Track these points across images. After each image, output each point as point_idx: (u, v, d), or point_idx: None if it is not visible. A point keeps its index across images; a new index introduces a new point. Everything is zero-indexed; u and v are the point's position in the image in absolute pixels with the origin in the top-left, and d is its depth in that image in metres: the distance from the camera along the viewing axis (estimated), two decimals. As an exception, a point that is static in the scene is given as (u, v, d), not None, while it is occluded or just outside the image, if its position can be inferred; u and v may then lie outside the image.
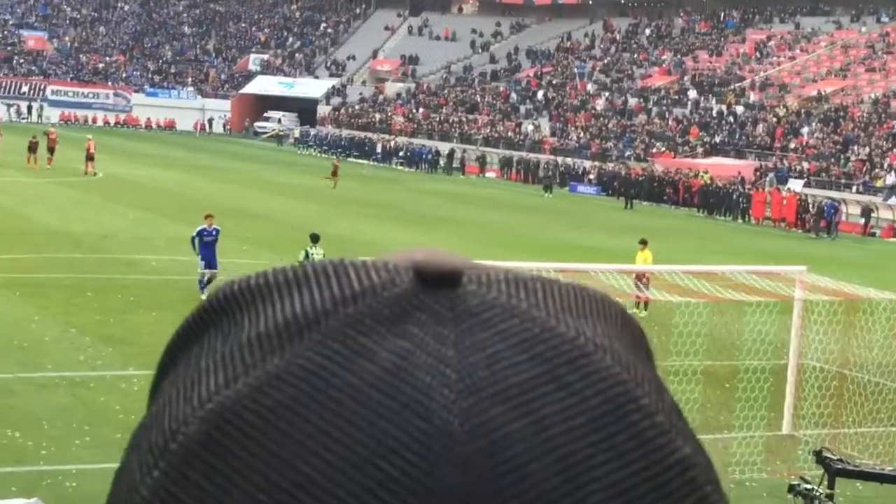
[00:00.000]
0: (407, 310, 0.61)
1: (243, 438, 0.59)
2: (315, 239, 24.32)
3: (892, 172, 61.74)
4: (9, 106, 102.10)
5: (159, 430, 0.63)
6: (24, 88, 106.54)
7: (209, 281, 25.01)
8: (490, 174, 77.93)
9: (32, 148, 55.56)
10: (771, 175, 64.17)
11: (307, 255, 23.75)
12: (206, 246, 24.99)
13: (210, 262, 24.97)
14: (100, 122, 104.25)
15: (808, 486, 14.50)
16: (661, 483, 0.60)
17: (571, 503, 0.58)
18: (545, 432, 0.59)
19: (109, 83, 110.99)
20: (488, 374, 0.59)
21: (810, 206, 55.29)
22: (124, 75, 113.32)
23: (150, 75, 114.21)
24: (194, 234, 25.38)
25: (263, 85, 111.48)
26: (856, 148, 66.52)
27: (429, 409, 0.58)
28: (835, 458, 14.90)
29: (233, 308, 0.66)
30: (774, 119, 74.06)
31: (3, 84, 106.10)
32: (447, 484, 0.56)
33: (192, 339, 0.67)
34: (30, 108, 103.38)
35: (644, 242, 28.52)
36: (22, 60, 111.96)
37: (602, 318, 0.67)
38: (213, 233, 25.10)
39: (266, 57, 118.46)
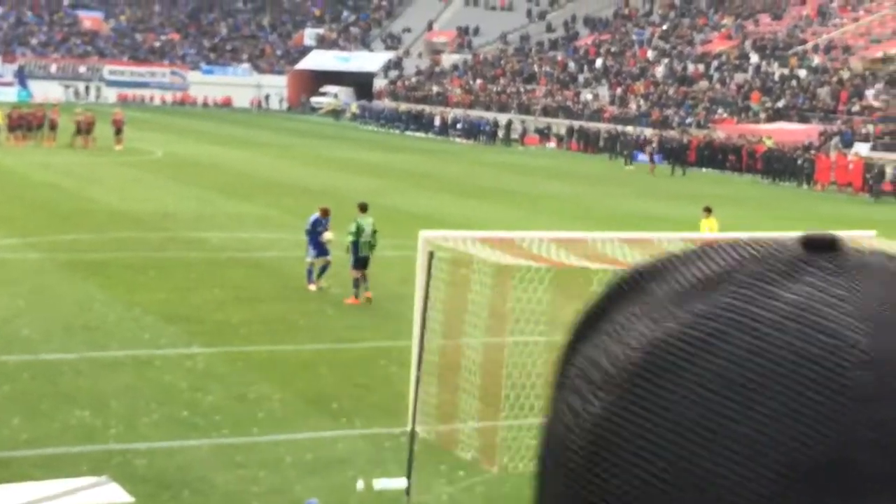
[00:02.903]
0: (800, 266, 0.74)
1: (679, 360, 0.71)
2: (364, 208, 23.49)
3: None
4: (66, 87, 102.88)
5: (596, 370, 0.75)
6: (82, 69, 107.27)
7: (323, 269, 24.12)
8: (550, 144, 77.40)
9: (80, 128, 55.17)
10: (836, 139, 63.10)
11: (358, 227, 23.04)
12: (319, 234, 24.06)
13: (322, 251, 24.06)
14: (157, 102, 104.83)
15: None
16: None
17: None
18: None
19: (166, 62, 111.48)
20: (879, 307, 0.71)
21: (887, 171, 54.26)
22: (180, 53, 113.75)
23: (205, 53, 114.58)
24: (308, 225, 24.36)
25: (319, 60, 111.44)
26: (922, 109, 65.29)
27: (835, 330, 0.69)
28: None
29: (638, 283, 0.78)
30: (838, 82, 72.81)
31: (61, 66, 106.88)
32: (861, 382, 0.68)
33: (602, 312, 0.79)
34: (87, 89, 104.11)
35: (709, 210, 28.13)
36: (78, 41, 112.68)
37: None
38: (326, 223, 24.14)
39: (321, 31, 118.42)
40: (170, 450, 14.20)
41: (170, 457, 13.98)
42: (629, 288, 0.79)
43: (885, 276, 0.74)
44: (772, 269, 0.74)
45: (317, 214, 24.36)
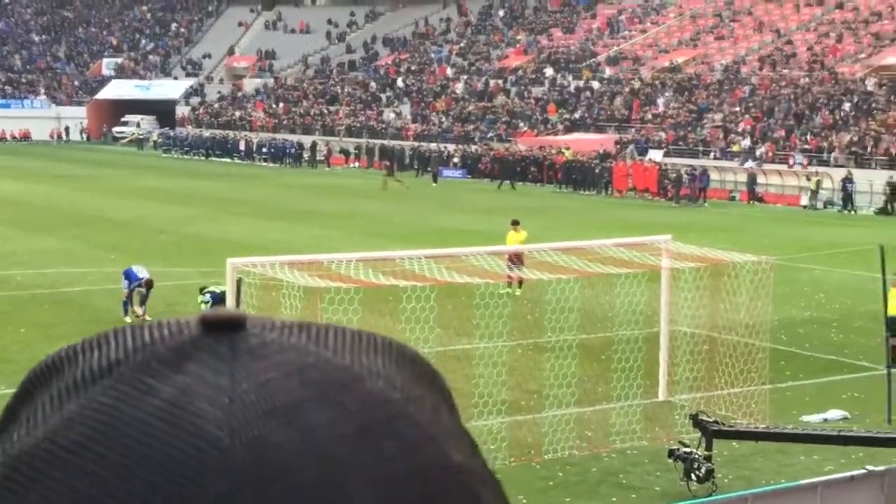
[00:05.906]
0: (190, 352, 0.70)
1: (40, 476, 0.67)
2: (203, 289, 22.51)
3: (747, 137, 63.36)
4: None
5: None
6: None
7: (143, 299, 23.73)
8: (354, 164, 77.87)
9: None
10: (631, 147, 65.28)
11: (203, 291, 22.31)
12: (133, 284, 23.79)
13: (134, 280, 23.74)
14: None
15: (688, 450, 14.93)
16: (425, 480, 0.69)
17: (332, 493, 0.67)
18: (311, 440, 0.68)
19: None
20: (258, 397, 0.68)
21: (683, 175, 56.27)
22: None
23: (0, 86, 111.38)
24: (127, 269, 24.18)
25: (119, 89, 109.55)
26: (710, 115, 68.11)
27: (202, 429, 0.66)
28: (710, 420, 15.34)
29: (45, 376, 0.74)
30: (630, 92, 75.35)
31: None
32: (214, 490, 0.65)
33: (21, 403, 0.75)
34: None
35: (516, 223, 28.69)
36: None
37: (385, 355, 0.76)
38: (143, 279, 23.75)
39: (119, 60, 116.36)
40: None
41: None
42: (38, 379, 0.75)
43: (280, 356, 0.71)
44: (157, 357, 0.70)
45: (144, 276, 24.02)
